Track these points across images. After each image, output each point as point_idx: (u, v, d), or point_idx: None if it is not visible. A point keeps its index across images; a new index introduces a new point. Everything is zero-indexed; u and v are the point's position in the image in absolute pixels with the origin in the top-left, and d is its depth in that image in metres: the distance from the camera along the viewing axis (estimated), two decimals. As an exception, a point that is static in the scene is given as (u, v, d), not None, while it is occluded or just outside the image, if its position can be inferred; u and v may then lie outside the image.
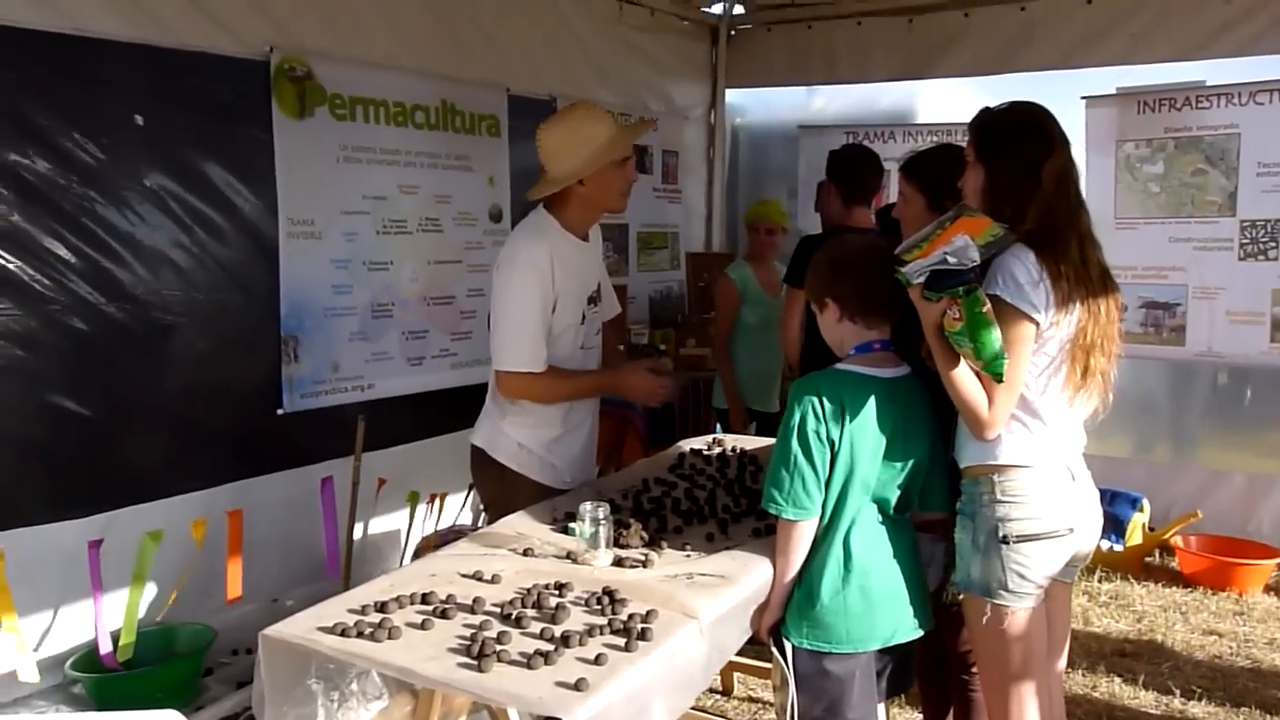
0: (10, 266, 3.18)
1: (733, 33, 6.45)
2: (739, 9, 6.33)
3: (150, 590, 3.52)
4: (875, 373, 2.44)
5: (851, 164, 4.25)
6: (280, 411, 3.94)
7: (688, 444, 3.68)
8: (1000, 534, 2.34)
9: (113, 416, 3.47)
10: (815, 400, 2.38)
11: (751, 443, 3.74)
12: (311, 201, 3.97)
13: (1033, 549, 2.34)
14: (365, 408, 4.20)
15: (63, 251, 3.30)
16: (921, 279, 2.25)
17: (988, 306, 2.20)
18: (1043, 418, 2.36)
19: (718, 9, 6.32)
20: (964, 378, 2.31)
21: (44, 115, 3.21)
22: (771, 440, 3.99)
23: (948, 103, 6.18)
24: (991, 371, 2.22)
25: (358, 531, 4.15)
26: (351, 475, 4.03)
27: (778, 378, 4.88)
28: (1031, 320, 2.27)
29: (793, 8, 6.13)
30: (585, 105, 3.10)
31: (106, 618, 3.33)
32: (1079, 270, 2.31)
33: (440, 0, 4.47)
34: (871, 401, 2.39)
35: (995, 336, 2.20)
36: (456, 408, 4.38)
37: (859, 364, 2.46)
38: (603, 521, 2.50)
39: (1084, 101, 5.46)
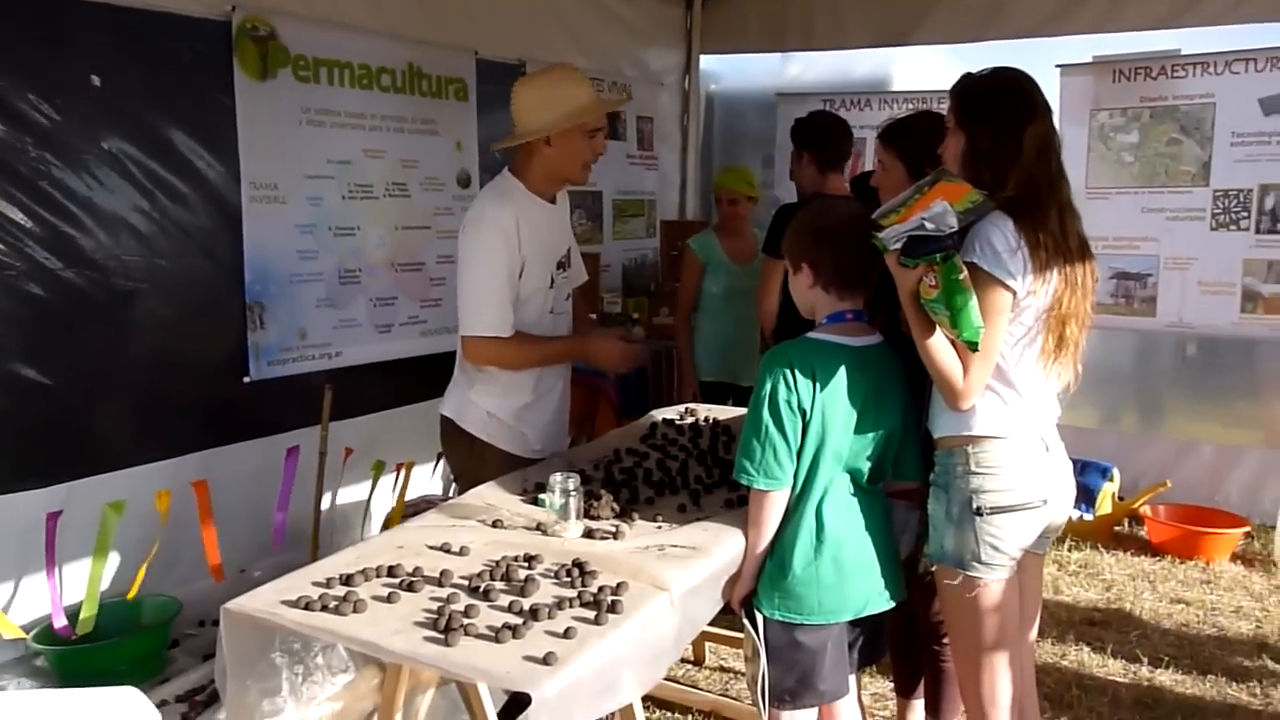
0: (-37, 230, 3.10)
1: (706, -2, 6.36)
2: (714, -27, 6.24)
3: (113, 561, 3.46)
4: (847, 341, 2.41)
5: (825, 130, 4.21)
6: (246, 379, 3.87)
7: (660, 414, 3.65)
8: (974, 505, 2.33)
9: (72, 385, 3.40)
10: (786, 370, 2.35)
11: (724, 413, 3.71)
12: (275, 165, 3.88)
13: (1006, 520, 2.33)
14: (333, 375, 4.14)
15: (18, 216, 3.21)
16: (898, 245, 2.22)
17: (964, 274, 2.17)
18: (1017, 388, 2.34)
19: (691, -28, 6.22)
20: (939, 346, 2.28)
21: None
22: (743, 410, 4.00)
23: (924, 71, 6.14)
24: (967, 340, 2.20)
25: (325, 502, 4.10)
26: (319, 445, 3.98)
27: (746, 348, 4.83)
28: (1008, 289, 2.25)
29: (770, -28, 6.05)
30: (565, 67, 3.06)
31: (64, 591, 3.27)
32: (1058, 240, 2.28)
33: (408, -40, 4.37)
34: (843, 371, 2.36)
35: (972, 305, 2.17)
36: (426, 376, 4.33)
37: (830, 333, 2.43)
38: (573, 493, 2.48)
39: (1059, 70, 5.43)
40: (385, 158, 4.33)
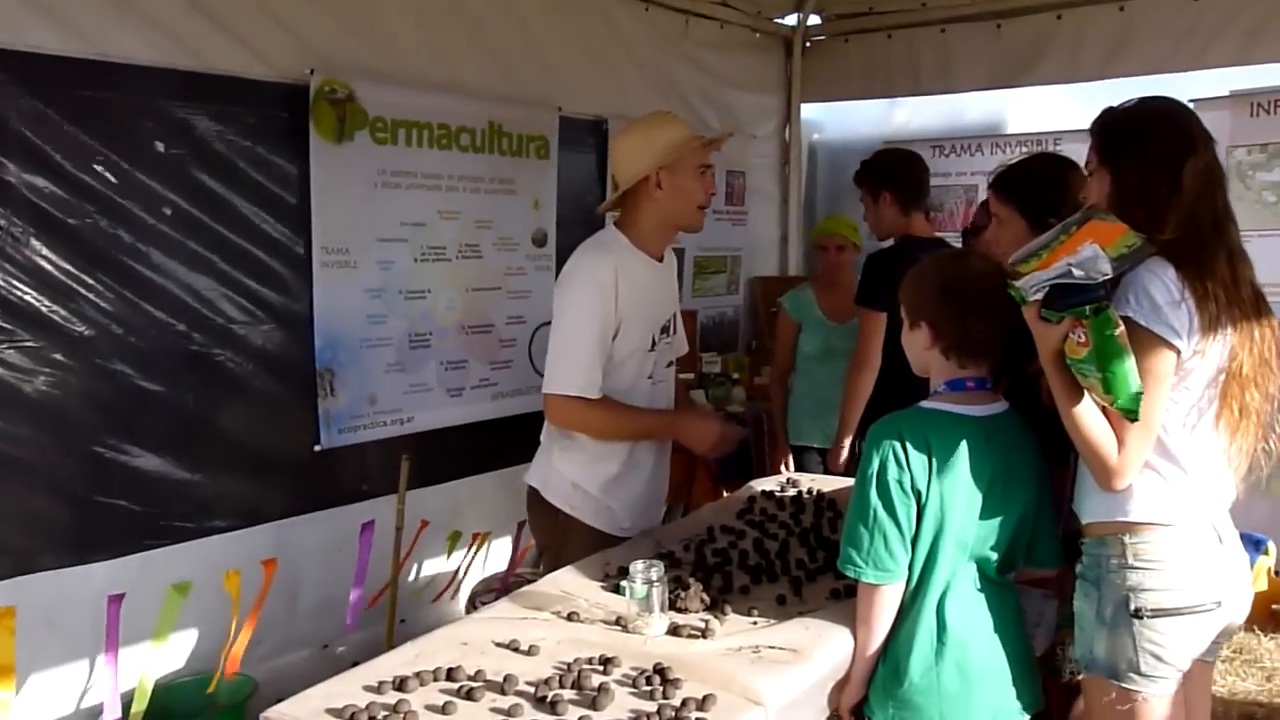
0: (29, 299, 2.99)
1: (807, 44, 6.10)
2: (814, 19, 5.98)
3: (186, 638, 3.34)
4: (968, 410, 2.09)
5: (903, 165, 3.94)
6: (317, 448, 3.69)
7: (759, 484, 3.36)
8: (1132, 606, 1.95)
9: (139, 455, 3.25)
10: (896, 444, 2.03)
11: (829, 483, 3.39)
12: (347, 229, 3.73)
13: (1171, 625, 1.94)
14: (405, 441, 3.95)
15: (84, 285, 3.09)
16: (1039, 295, 1.90)
17: (1121, 329, 1.83)
18: (1184, 466, 1.96)
19: (791, 20, 5.96)
20: (1089, 415, 1.93)
21: (62, 144, 3.01)
22: (849, 481, 3.67)
23: (1040, 112, 5.74)
24: (1124, 408, 1.84)
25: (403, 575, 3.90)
26: (395, 520, 3.77)
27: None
28: (1172, 348, 1.89)
29: (871, 16, 5.76)
30: (660, 111, 2.89)
31: (123, 677, 3.09)
32: (1229, 290, 1.93)
33: (488, 17, 4.22)
34: (964, 444, 2.04)
35: (1129, 366, 1.82)
36: (499, 440, 4.23)
37: (948, 401, 2.11)
38: (656, 583, 2.19)
39: (1191, 105, 4.97)
40: (460, 219, 4.16)
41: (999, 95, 5.86)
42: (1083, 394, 1.93)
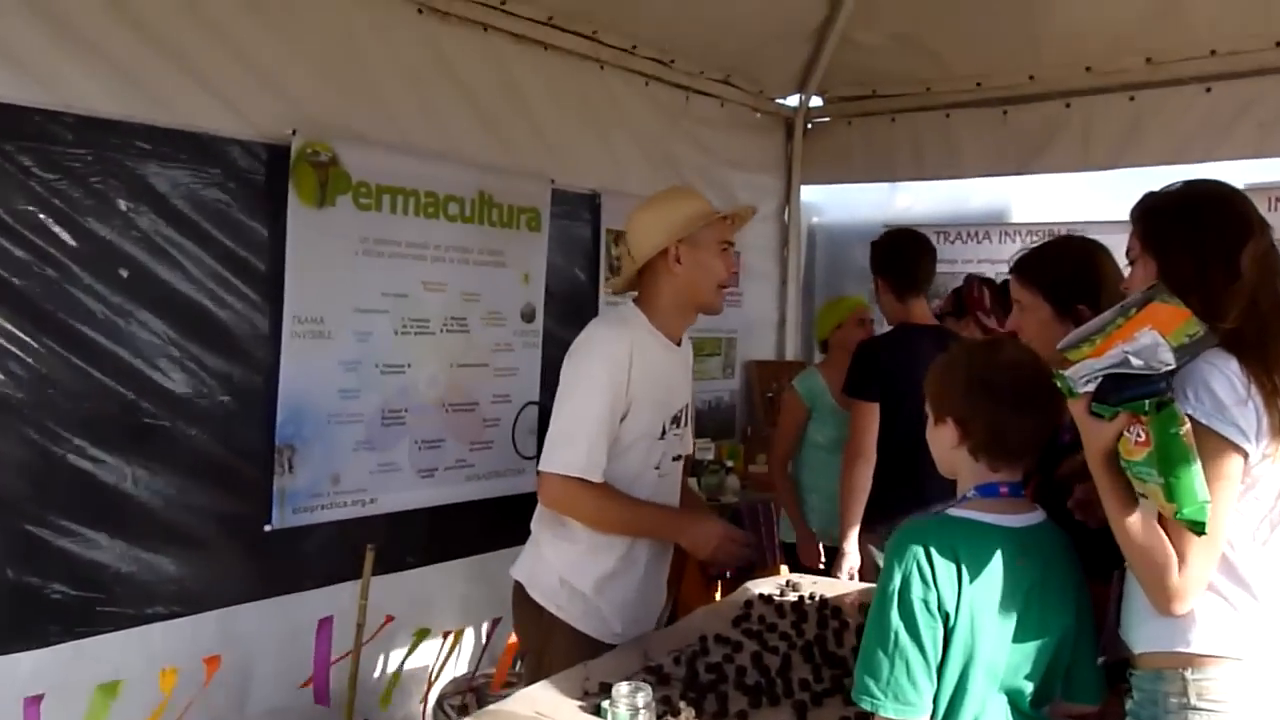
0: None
1: (809, 126, 5.96)
2: (816, 101, 5.85)
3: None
4: (1001, 520, 1.83)
5: (897, 249, 3.77)
6: (268, 528, 3.38)
7: (756, 586, 3.11)
8: (1195, 756, 1.67)
9: (74, 532, 2.96)
10: (922, 558, 1.76)
11: (832, 587, 3.13)
12: (323, 298, 3.49)
13: (1243, 780, 1.66)
14: (368, 524, 3.66)
15: (28, 346, 2.83)
16: (1091, 386, 1.66)
17: (1187, 428, 1.58)
18: (1253, 589, 1.70)
19: (793, 101, 5.83)
20: (1145, 527, 1.67)
21: (13, 197, 2.78)
22: (856, 585, 3.39)
23: (1048, 200, 5.61)
24: (1189, 519, 1.58)
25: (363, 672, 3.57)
26: (357, 615, 3.46)
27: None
28: (1239, 450, 1.65)
29: (875, 99, 5.63)
30: (679, 186, 2.83)
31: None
32: None
33: (481, 83, 4.04)
34: (998, 558, 1.77)
35: (1196, 470, 1.57)
36: (472, 525, 3.97)
37: (978, 509, 1.85)
38: (642, 710, 1.92)
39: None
40: (446, 291, 3.92)
41: (1005, 182, 5.73)
42: (1137, 501, 1.68)
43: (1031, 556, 1.82)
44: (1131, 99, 4.90)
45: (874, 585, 1.89)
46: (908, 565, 1.76)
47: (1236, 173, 4.88)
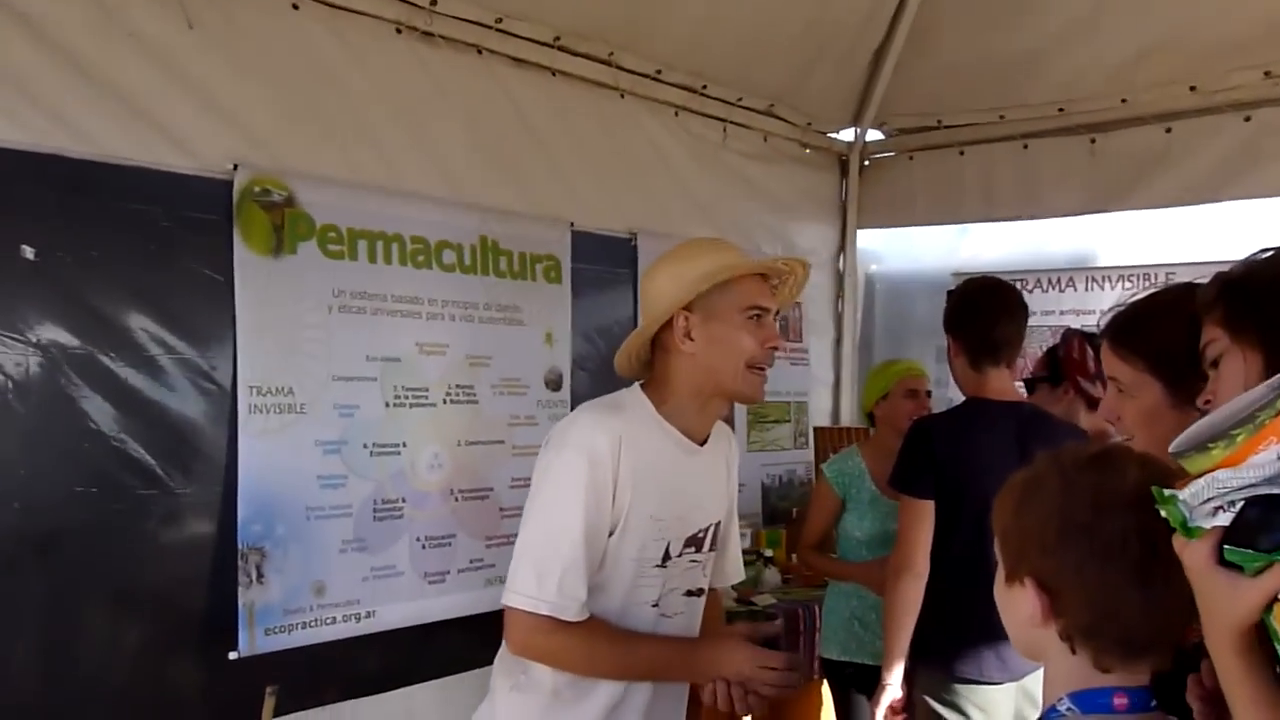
0: None
1: (866, 162, 5.34)
2: (874, 134, 5.24)
3: None
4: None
5: (973, 305, 2.92)
6: (234, 655, 2.78)
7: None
8: None
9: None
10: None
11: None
12: (290, 364, 2.92)
13: None
14: (362, 643, 3.05)
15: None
16: (1221, 516, 1.00)
17: None
18: None
19: (848, 135, 5.22)
20: None
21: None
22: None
23: (1144, 240, 4.92)
24: None
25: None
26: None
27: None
28: None
29: (940, 130, 5.01)
30: (704, 238, 2.21)
31: None
32: None
33: (479, 114, 3.49)
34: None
35: None
36: (492, 638, 3.28)
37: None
38: None
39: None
40: (448, 353, 3.34)
41: (1090, 221, 5.05)
42: None
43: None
44: (1247, 119, 4.22)
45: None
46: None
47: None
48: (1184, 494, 1.03)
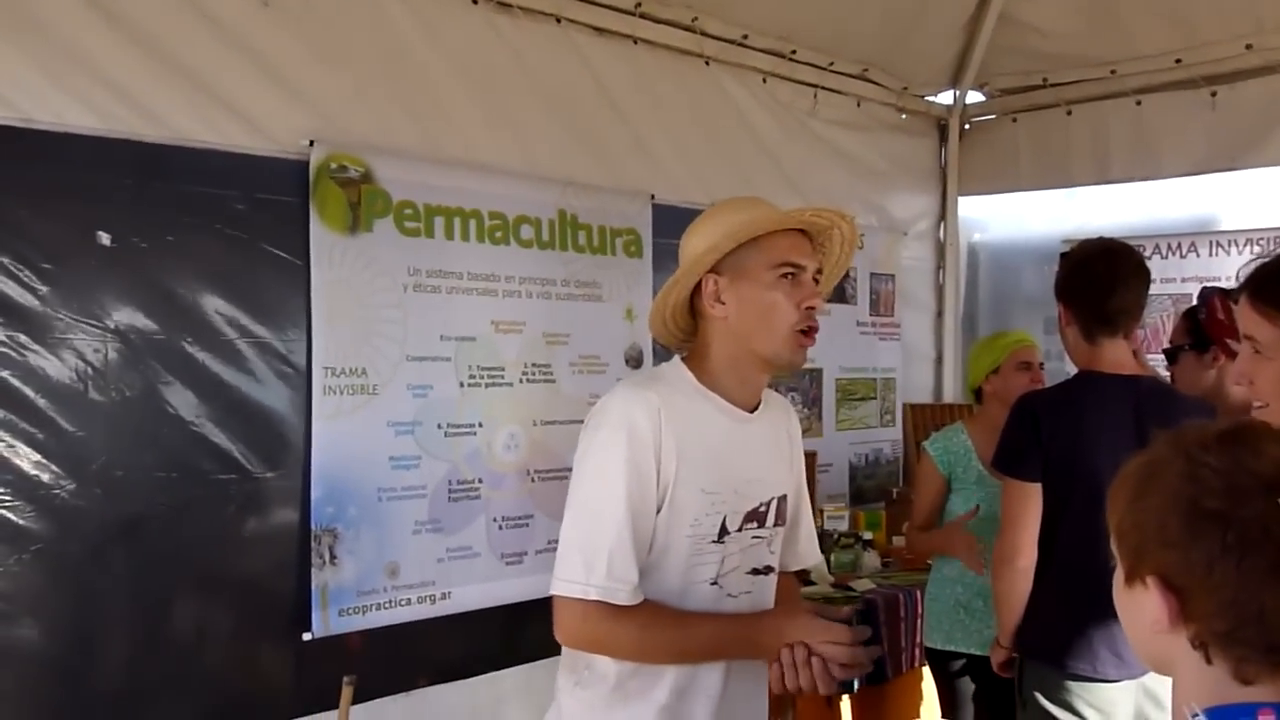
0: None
1: (966, 126, 5.11)
2: (975, 96, 5.00)
3: None
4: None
5: (1087, 270, 2.63)
6: (308, 636, 2.79)
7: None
8: None
9: (60, 644, 2.45)
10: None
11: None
12: (364, 345, 2.91)
13: None
14: (437, 625, 3.04)
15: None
16: None
17: None
18: None
19: (946, 98, 5.00)
20: None
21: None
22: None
23: (1273, 200, 4.60)
24: None
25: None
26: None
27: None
28: None
29: (1046, 89, 4.75)
30: (740, 197, 1.99)
31: None
32: None
33: (558, 86, 3.41)
34: None
35: None
36: None
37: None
38: None
39: None
40: (524, 332, 3.30)
41: (1212, 181, 4.73)
42: None
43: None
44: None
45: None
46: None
47: None
48: None
